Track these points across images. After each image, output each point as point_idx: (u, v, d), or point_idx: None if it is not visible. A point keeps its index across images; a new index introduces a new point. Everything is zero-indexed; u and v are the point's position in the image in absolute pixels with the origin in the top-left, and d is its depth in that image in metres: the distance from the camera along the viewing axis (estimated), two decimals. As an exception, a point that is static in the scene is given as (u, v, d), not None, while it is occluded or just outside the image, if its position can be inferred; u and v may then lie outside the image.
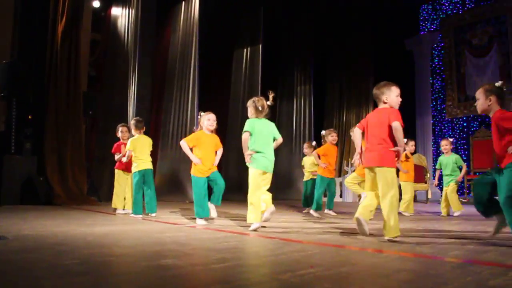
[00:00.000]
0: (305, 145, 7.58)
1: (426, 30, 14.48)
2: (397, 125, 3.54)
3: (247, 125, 4.39)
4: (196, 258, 2.66)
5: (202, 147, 5.07)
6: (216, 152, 5.24)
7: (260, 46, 12.79)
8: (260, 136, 4.40)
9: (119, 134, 6.59)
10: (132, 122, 6.24)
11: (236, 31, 13.38)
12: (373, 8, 14.17)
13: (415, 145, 7.83)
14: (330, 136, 6.50)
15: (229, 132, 13.19)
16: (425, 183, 11.60)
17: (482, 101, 3.37)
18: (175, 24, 11.72)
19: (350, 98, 14.98)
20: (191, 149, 5.12)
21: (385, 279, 2.10)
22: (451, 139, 7.01)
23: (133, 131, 6.15)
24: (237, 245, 3.24)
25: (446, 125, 13.56)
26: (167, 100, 11.51)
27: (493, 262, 2.62)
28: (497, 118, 3.29)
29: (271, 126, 4.53)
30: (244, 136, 4.35)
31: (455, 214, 6.53)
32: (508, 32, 11.51)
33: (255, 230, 4.13)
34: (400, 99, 3.77)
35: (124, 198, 6.54)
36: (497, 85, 3.36)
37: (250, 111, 4.51)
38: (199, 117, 5.32)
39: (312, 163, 7.18)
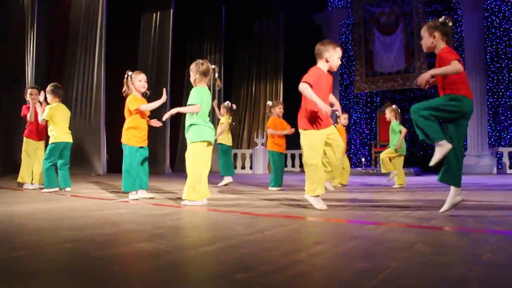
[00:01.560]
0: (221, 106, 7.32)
1: (334, 6, 14.76)
2: (300, 87, 3.48)
3: (197, 94, 3.88)
4: (177, 239, 2.22)
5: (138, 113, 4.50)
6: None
7: (171, 11, 12.01)
8: (207, 107, 3.98)
9: (28, 97, 5.64)
10: (49, 88, 5.43)
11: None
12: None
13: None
14: (278, 108, 6.14)
15: (137, 102, 12.31)
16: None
17: (426, 39, 3.17)
18: (79, -22, 10.45)
19: (259, 70, 14.77)
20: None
21: (412, 253, 1.88)
22: (394, 106, 6.69)
23: (50, 99, 5.35)
24: (204, 222, 2.85)
25: (352, 100, 14.07)
26: (69, 65, 10.32)
27: (482, 229, 2.56)
28: (439, 55, 3.08)
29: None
30: (195, 108, 3.86)
31: (389, 179, 6.38)
32: (412, 13, 12.12)
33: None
34: (340, 62, 3.63)
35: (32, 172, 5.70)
36: (441, 21, 3.15)
37: (193, 76, 3.99)
38: (126, 77, 4.65)
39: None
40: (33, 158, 5.63)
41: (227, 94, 14.84)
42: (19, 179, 5.65)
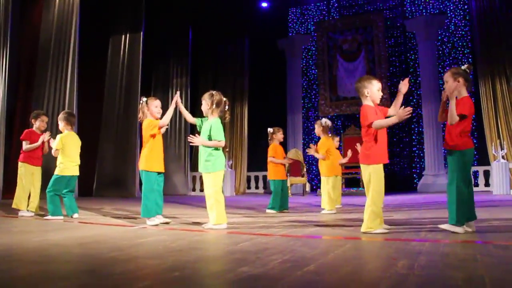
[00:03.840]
0: None
1: (295, 32, 15.40)
2: (375, 124, 3.55)
3: (220, 128, 4.14)
4: (270, 262, 2.40)
5: (157, 138, 4.57)
6: None
7: (142, 34, 12.07)
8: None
9: (37, 124, 5.49)
10: (62, 115, 5.32)
11: (114, 16, 12.34)
12: (247, 7, 14.52)
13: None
14: (280, 134, 6.36)
15: (104, 125, 12.17)
16: (302, 176, 12.35)
17: (450, 83, 3.50)
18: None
19: (224, 94, 14.82)
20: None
21: (481, 264, 2.18)
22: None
23: (62, 126, 5.25)
24: (264, 245, 3.01)
25: (313, 123, 14.61)
26: (39, 87, 10.07)
27: (488, 240, 2.93)
28: (461, 100, 3.47)
29: None
30: (221, 144, 4.16)
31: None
32: (373, 41, 12.94)
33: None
34: (381, 94, 3.78)
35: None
36: (464, 68, 3.52)
37: (206, 104, 4.23)
38: (141, 103, 4.74)
39: None
40: (29, 183, 5.48)
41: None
42: (14, 205, 5.47)
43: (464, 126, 3.46)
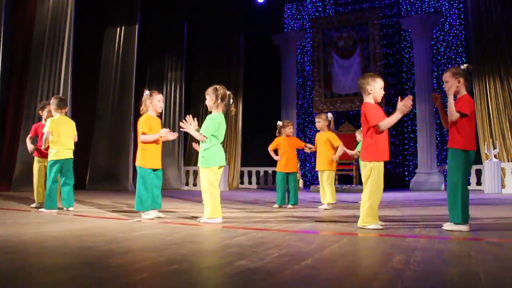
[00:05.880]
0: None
1: (290, 28, 15.39)
2: (382, 125, 3.60)
3: (212, 124, 4.12)
4: (266, 257, 2.42)
5: (153, 134, 4.56)
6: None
7: (137, 26, 11.99)
8: (222, 130, 4.23)
9: (45, 114, 5.50)
10: (52, 100, 5.29)
11: (109, 8, 12.24)
12: (243, 1, 14.48)
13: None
14: (288, 128, 6.26)
15: (98, 118, 12.09)
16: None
17: (451, 83, 3.51)
18: (44, -10, 10.20)
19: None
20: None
21: (476, 261, 2.22)
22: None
23: (53, 111, 5.23)
24: (260, 239, 3.02)
25: (308, 119, 14.64)
26: (32, 79, 9.96)
27: (481, 237, 2.97)
28: (460, 99, 3.53)
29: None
30: (203, 138, 4.14)
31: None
32: (369, 39, 12.97)
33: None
34: (383, 92, 3.81)
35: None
36: (463, 68, 3.53)
37: (211, 99, 4.22)
38: (144, 95, 4.73)
39: None
40: (42, 177, 5.53)
41: (186, 111, 14.88)
42: (38, 199, 5.53)
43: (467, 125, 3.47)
